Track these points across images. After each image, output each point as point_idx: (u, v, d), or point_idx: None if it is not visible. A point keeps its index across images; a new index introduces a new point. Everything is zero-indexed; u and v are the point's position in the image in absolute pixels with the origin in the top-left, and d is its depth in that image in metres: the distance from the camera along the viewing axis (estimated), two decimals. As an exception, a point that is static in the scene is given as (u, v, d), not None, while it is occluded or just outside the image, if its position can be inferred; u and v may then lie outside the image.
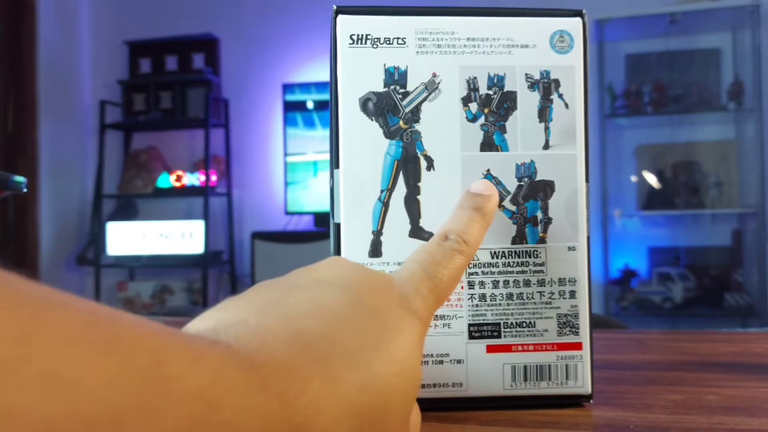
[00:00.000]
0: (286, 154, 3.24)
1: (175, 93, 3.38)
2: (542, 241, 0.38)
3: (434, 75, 0.37)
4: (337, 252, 0.37)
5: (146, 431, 0.14)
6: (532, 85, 0.38)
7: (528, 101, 0.38)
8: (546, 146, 0.38)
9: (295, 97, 3.22)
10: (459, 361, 0.38)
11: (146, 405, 0.14)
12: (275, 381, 0.17)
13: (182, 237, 3.33)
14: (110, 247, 3.36)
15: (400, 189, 0.37)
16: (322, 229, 3.15)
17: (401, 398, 0.22)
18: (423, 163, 0.37)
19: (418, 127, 0.37)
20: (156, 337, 0.15)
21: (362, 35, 0.37)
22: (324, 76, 3.04)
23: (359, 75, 0.37)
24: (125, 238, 3.37)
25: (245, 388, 0.16)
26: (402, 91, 0.37)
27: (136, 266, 3.40)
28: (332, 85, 0.37)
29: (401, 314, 0.23)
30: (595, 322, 0.41)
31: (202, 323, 0.20)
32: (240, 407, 0.16)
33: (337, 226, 0.37)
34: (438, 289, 0.26)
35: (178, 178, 3.38)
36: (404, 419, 0.22)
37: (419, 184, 0.37)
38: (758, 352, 0.54)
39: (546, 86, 0.38)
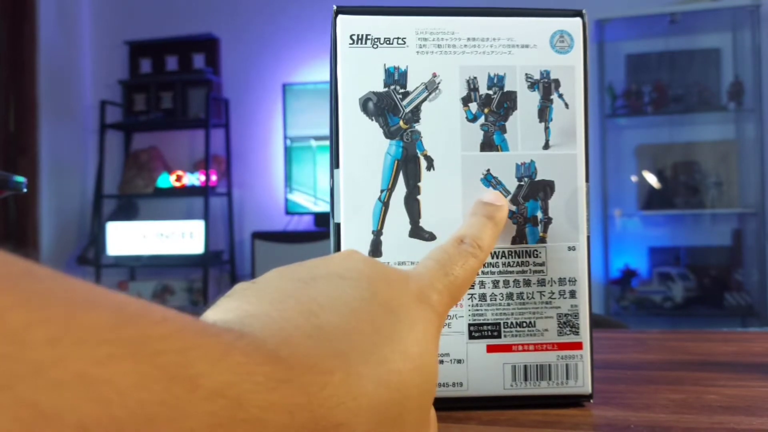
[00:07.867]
0: (286, 153, 3.24)
1: (176, 93, 3.38)
2: (542, 241, 0.38)
3: (434, 75, 0.37)
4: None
5: (174, 431, 0.14)
6: (532, 85, 0.38)
7: (528, 101, 0.38)
8: (546, 146, 0.38)
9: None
10: (459, 361, 0.38)
11: (174, 404, 0.14)
12: (299, 374, 0.18)
13: (182, 237, 3.33)
14: (110, 247, 3.36)
15: (400, 189, 0.37)
16: (322, 229, 3.15)
17: (418, 394, 0.22)
18: (423, 163, 0.37)
19: (418, 127, 0.37)
20: (183, 333, 0.15)
21: (362, 35, 0.37)
22: (324, 76, 3.04)
23: (359, 75, 0.37)
24: (125, 238, 3.36)
25: (271, 382, 0.16)
26: (402, 91, 0.37)
27: (137, 266, 3.40)
28: (332, 85, 0.37)
29: (416, 308, 0.24)
30: (595, 322, 0.41)
31: (225, 314, 0.21)
32: (266, 402, 0.16)
33: (337, 226, 0.37)
34: (453, 286, 0.27)
35: (179, 178, 3.38)
36: (423, 416, 0.23)
37: (419, 184, 0.37)
38: (758, 351, 0.54)
39: (546, 86, 0.38)
